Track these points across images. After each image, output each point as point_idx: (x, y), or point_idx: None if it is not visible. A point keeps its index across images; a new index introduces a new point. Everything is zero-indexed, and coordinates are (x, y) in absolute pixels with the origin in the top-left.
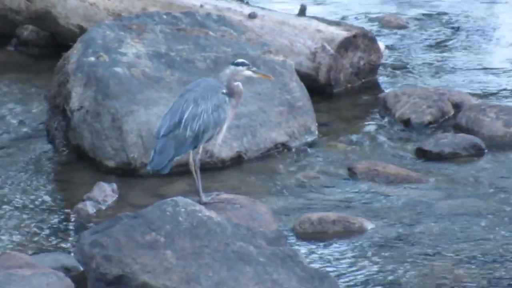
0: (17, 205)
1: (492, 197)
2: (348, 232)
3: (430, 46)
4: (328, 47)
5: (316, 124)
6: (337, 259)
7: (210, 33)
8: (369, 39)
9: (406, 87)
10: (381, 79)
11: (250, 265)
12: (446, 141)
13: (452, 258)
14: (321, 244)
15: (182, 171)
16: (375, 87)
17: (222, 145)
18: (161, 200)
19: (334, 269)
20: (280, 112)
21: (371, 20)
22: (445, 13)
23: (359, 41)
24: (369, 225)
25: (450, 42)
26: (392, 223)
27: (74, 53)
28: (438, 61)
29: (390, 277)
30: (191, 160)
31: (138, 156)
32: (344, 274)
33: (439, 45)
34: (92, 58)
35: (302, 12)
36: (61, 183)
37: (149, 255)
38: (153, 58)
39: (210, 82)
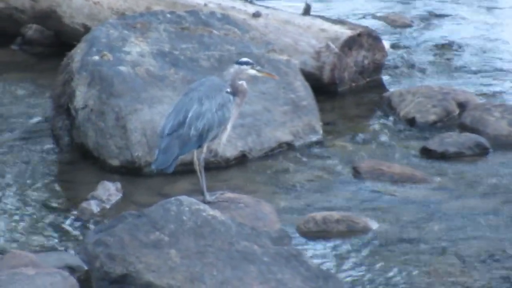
0: (21, 204)
1: (497, 196)
2: (352, 232)
3: (435, 45)
4: (333, 46)
5: (321, 123)
6: (342, 258)
7: (214, 31)
8: (374, 38)
9: (411, 86)
10: (386, 78)
11: (254, 264)
12: (450, 140)
13: (457, 258)
14: (326, 243)
15: (186, 170)
16: (380, 86)
17: (227, 144)
18: (165, 199)
19: (339, 268)
20: (284, 111)
21: (375, 19)
22: (450, 12)
23: (363, 40)
24: (374, 225)
25: (455, 41)
26: (397, 222)
27: (78, 52)
28: (442, 60)
29: (395, 277)
30: (195, 159)
31: (142, 154)
32: (349, 273)
33: (444, 44)
34: (96, 57)
35: (306, 11)
36: (65, 182)
37: (153, 254)
38: (157, 57)
39: (214, 81)
